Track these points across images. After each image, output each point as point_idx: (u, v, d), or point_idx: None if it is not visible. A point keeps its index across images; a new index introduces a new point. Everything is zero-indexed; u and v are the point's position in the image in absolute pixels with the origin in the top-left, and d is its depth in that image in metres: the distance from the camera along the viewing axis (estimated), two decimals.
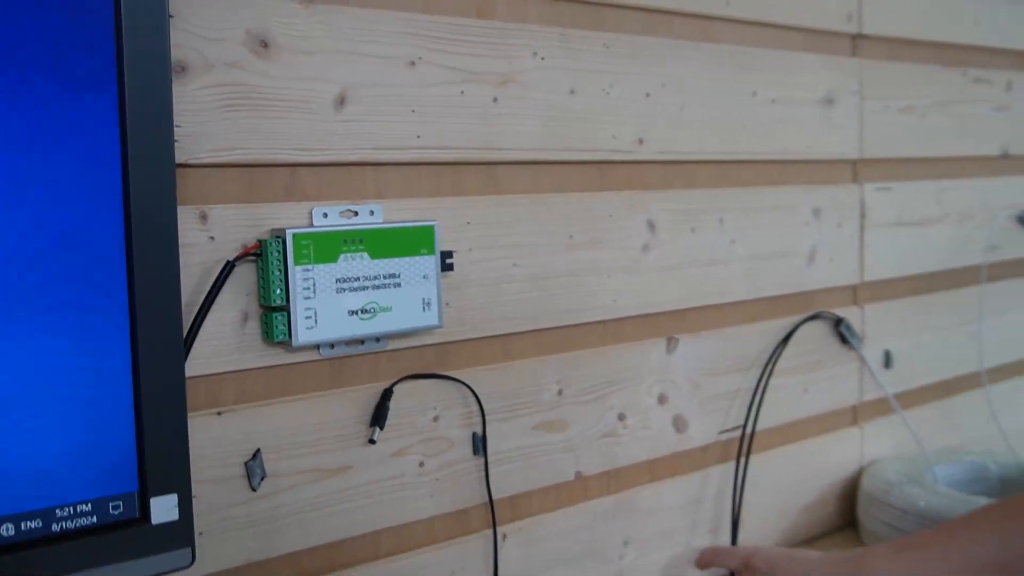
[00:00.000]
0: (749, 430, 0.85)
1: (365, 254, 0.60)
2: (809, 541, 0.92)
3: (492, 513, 0.69)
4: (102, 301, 0.46)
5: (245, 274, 0.58)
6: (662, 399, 0.80)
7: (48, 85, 0.43)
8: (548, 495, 0.74)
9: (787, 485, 0.90)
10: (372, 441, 0.63)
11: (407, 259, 0.62)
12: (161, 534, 0.48)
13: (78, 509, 0.46)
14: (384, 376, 0.64)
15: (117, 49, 0.45)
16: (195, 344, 0.56)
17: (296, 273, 0.58)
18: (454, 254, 0.66)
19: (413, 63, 0.64)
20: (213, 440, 0.57)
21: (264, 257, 0.57)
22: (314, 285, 0.58)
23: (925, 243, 1.02)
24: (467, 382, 0.67)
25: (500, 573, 0.70)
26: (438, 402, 0.67)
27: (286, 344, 0.59)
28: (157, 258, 0.48)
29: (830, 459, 0.95)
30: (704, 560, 0.78)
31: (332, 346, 0.61)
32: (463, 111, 0.67)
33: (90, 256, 0.46)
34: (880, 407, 0.98)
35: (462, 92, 0.66)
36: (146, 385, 0.48)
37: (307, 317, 0.58)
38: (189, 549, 0.49)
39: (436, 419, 0.67)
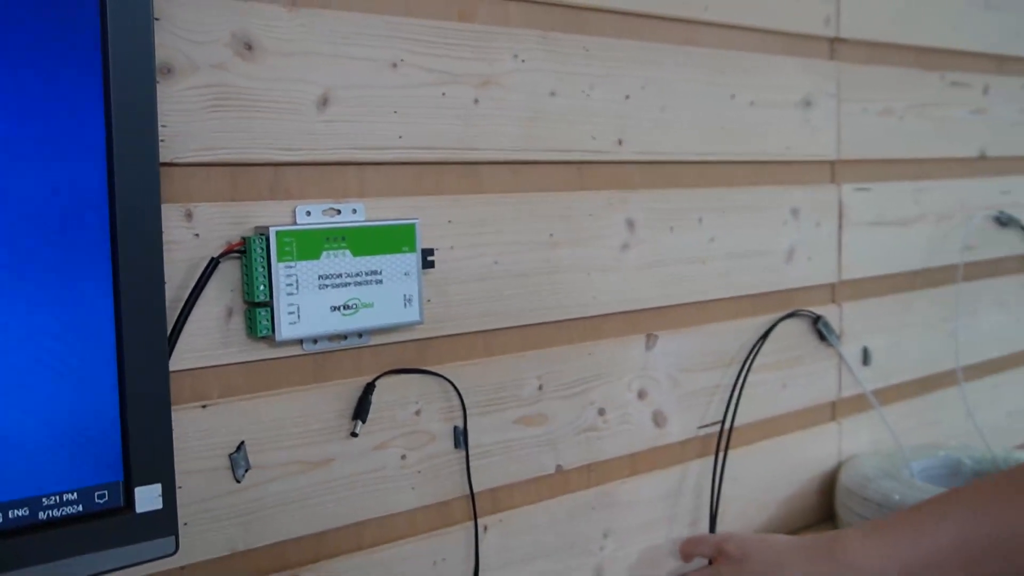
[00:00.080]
0: (728, 425, 0.86)
1: (347, 251, 0.62)
2: (787, 534, 0.93)
3: (473, 505, 0.71)
4: (88, 297, 0.48)
5: (229, 271, 0.59)
6: (642, 394, 0.82)
7: (34, 85, 0.45)
8: (529, 488, 0.75)
9: (766, 479, 0.92)
10: (354, 434, 0.65)
11: (389, 256, 0.64)
12: (145, 522, 0.50)
13: (64, 498, 0.48)
14: (366, 371, 0.66)
15: (103, 50, 0.46)
16: (180, 339, 0.57)
17: (279, 270, 0.59)
18: (435, 252, 0.67)
19: (395, 65, 0.65)
20: (198, 432, 0.59)
21: (248, 254, 0.59)
22: (297, 281, 0.60)
23: (903, 243, 1.04)
24: (448, 377, 0.69)
25: (481, 564, 0.71)
26: (420, 396, 0.68)
27: (270, 339, 0.60)
28: (142, 254, 0.49)
29: (809, 454, 0.97)
30: (685, 550, 0.80)
31: (315, 341, 0.63)
32: (445, 112, 0.68)
33: (76, 252, 0.47)
34: (858, 403, 1.00)
35: (444, 94, 0.68)
36: (131, 378, 0.49)
37: (290, 313, 0.60)
38: (173, 537, 0.51)
39: (418, 413, 0.68)
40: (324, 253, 0.61)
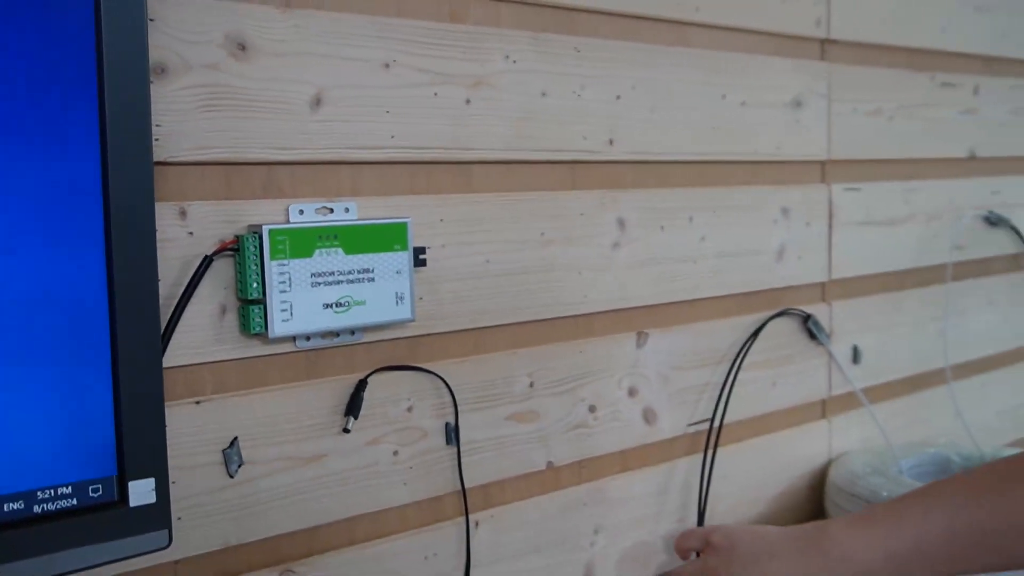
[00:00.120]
0: (717, 423, 0.87)
1: (340, 250, 0.63)
2: None
3: (465, 501, 0.72)
4: (82, 293, 0.48)
5: (223, 268, 0.60)
6: (632, 392, 0.82)
7: (29, 85, 0.45)
8: (520, 484, 0.76)
9: (757, 476, 0.93)
10: (347, 430, 0.65)
11: (381, 255, 0.65)
12: (139, 516, 0.50)
13: (59, 491, 0.48)
14: (359, 368, 0.67)
15: (97, 51, 0.47)
16: (175, 335, 0.58)
17: (272, 267, 0.60)
18: (427, 250, 0.68)
19: (388, 65, 0.66)
20: (192, 428, 0.59)
21: (241, 252, 0.59)
22: (290, 279, 0.61)
23: (893, 242, 1.05)
24: (440, 374, 0.70)
25: (473, 559, 0.72)
26: (412, 393, 0.69)
27: (263, 336, 0.61)
28: (136, 252, 0.50)
29: (799, 451, 0.97)
30: (680, 546, 0.79)
31: (308, 338, 0.63)
32: (437, 112, 0.69)
33: (69, 249, 0.48)
34: (848, 401, 1.01)
35: (436, 94, 0.69)
36: (125, 374, 0.50)
37: (283, 310, 0.60)
38: (166, 531, 0.51)
39: (410, 409, 0.69)
40: (317, 251, 0.62)
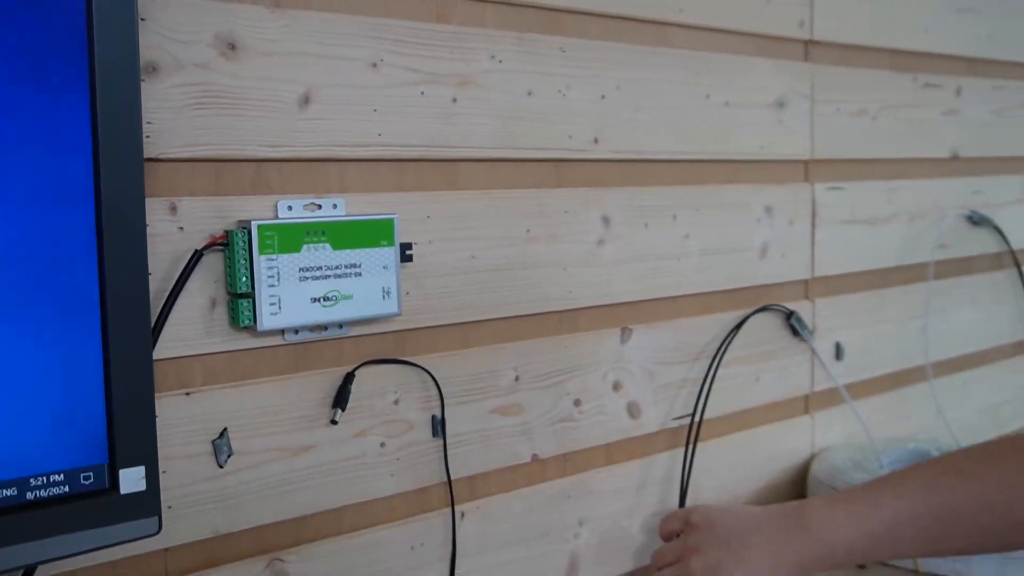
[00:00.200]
0: (698, 417, 0.89)
1: (327, 245, 0.64)
2: None
3: (451, 492, 0.73)
4: (74, 286, 0.50)
5: (213, 263, 0.62)
6: (617, 386, 0.84)
7: (23, 83, 0.47)
8: (505, 476, 0.77)
9: (740, 470, 0.95)
10: (334, 422, 0.67)
11: (368, 250, 0.66)
12: (129, 503, 0.52)
13: (51, 479, 0.50)
14: (346, 361, 0.68)
15: (89, 50, 0.48)
16: (165, 328, 0.59)
17: (261, 262, 0.61)
18: (414, 246, 0.69)
19: (375, 65, 0.68)
20: (182, 419, 0.61)
21: (231, 247, 0.61)
22: (278, 274, 0.62)
23: (875, 241, 1.07)
24: (426, 367, 0.71)
25: (458, 550, 0.74)
26: (398, 386, 0.70)
27: (252, 329, 0.62)
28: (126, 246, 0.51)
29: (782, 446, 0.99)
30: (663, 529, 0.80)
31: (296, 331, 0.65)
32: (423, 111, 0.70)
33: (62, 244, 0.49)
34: (831, 397, 1.03)
35: (422, 93, 0.70)
36: (116, 365, 0.51)
37: (271, 303, 0.62)
38: (156, 518, 0.53)
39: (396, 402, 0.70)
40: (305, 246, 0.63)
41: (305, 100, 0.65)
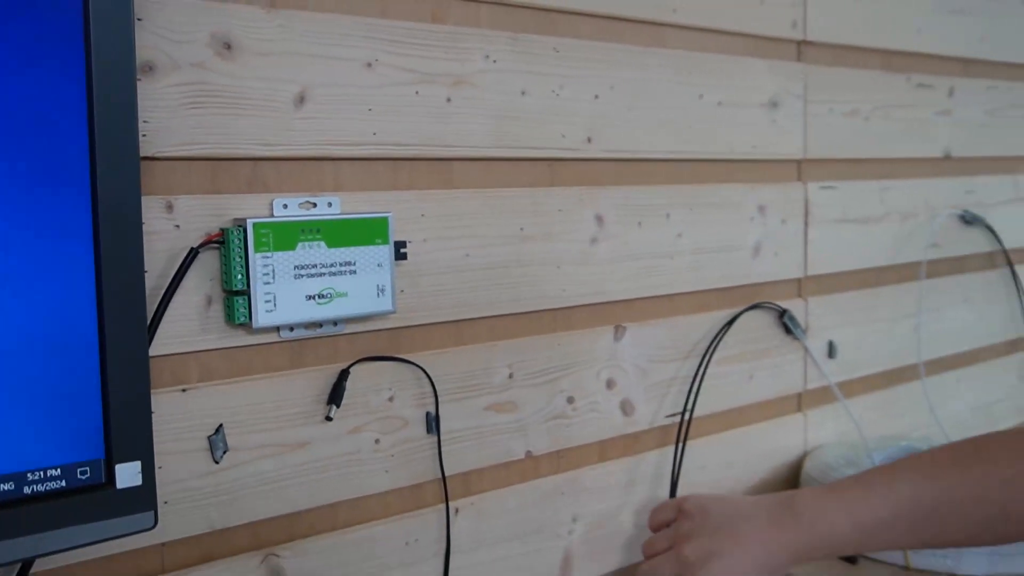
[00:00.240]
0: (688, 415, 0.89)
1: (322, 243, 0.65)
2: None
3: (445, 488, 0.74)
4: (72, 284, 0.50)
5: (209, 260, 0.62)
6: (610, 384, 0.85)
7: (21, 83, 0.47)
8: (499, 472, 0.78)
9: (733, 467, 0.95)
10: (329, 419, 0.67)
11: (362, 248, 0.67)
12: (126, 498, 0.52)
13: (48, 473, 0.50)
14: (341, 358, 0.69)
15: (86, 50, 0.49)
16: (161, 325, 0.60)
17: (256, 260, 0.62)
18: (408, 244, 0.70)
19: (370, 64, 0.68)
20: (178, 415, 0.61)
21: (226, 244, 0.61)
22: (273, 271, 0.63)
23: (868, 240, 1.07)
24: (421, 364, 0.72)
25: (452, 546, 0.74)
26: (393, 383, 0.71)
27: (247, 326, 0.63)
28: (123, 244, 0.51)
29: (775, 443, 1.00)
30: (653, 520, 0.80)
31: (291, 329, 0.65)
32: (418, 110, 0.71)
33: (58, 242, 0.50)
34: (824, 395, 1.03)
35: (417, 92, 0.71)
36: (112, 361, 0.52)
37: (267, 301, 0.62)
38: (152, 512, 0.53)
39: (391, 399, 0.71)
40: (300, 244, 0.64)
41: (301, 99, 0.65)
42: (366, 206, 0.69)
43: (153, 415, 0.54)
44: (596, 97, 0.81)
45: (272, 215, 0.64)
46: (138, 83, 0.52)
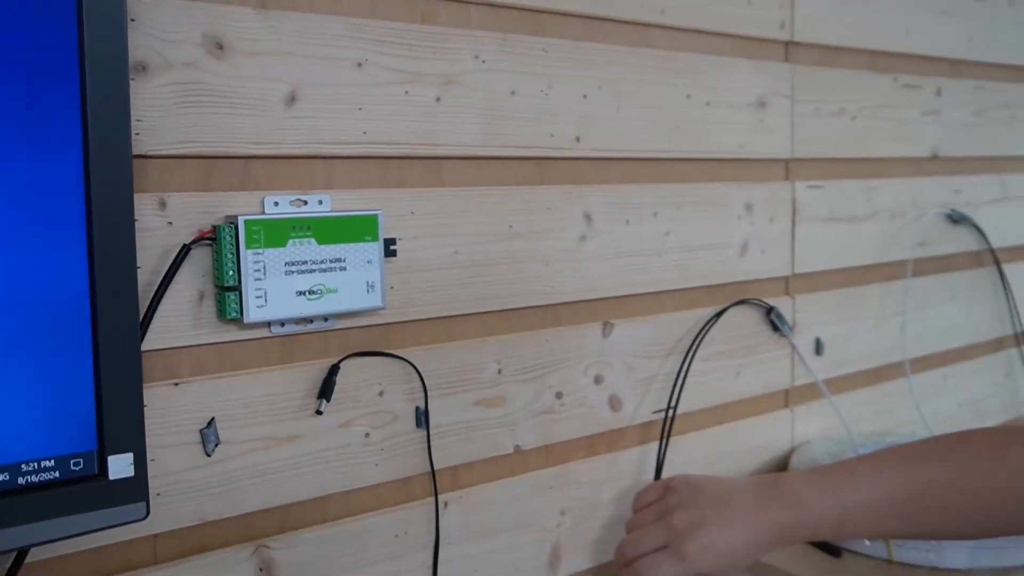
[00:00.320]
0: (672, 411, 0.90)
1: (312, 240, 0.66)
2: None
3: (434, 482, 0.75)
4: (66, 280, 0.51)
5: (201, 257, 0.63)
6: (598, 379, 0.86)
7: (14, 82, 0.48)
8: (488, 466, 0.79)
9: (721, 462, 0.97)
10: (319, 413, 0.68)
11: (352, 245, 0.68)
12: (118, 489, 0.53)
13: (42, 464, 0.51)
14: (332, 353, 0.70)
15: (79, 50, 0.50)
16: (154, 320, 0.61)
17: (247, 256, 0.63)
18: (398, 241, 0.71)
19: (360, 64, 0.69)
20: (170, 409, 0.62)
21: (218, 241, 0.63)
22: (264, 267, 0.64)
23: (855, 238, 1.09)
24: (410, 360, 0.73)
25: (442, 538, 0.75)
26: (383, 378, 0.72)
27: (238, 321, 0.64)
28: (116, 240, 0.52)
29: (762, 439, 1.01)
30: (637, 503, 0.80)
31: (282, 324, 0.67)
32: (408, 109, 0.72)
33: (52, 239, 0.51)
34: (811, 392, 1.05)
35: (407, 92, 0.72)
36: (105, 357, 0.53)
37: (257, 296, 0.64)
38: (144, 503, 0.54)
39: (381, 394, 0.72)
40: (290, 241, 0.65)
41: (291, 99, 0.66)
42: (356, 204, 0.70)
43: (146, 408, 0.55)
44: (584, 97, 0.83)
45: (263, 212, 0.65)
46: (131, 82, 0.53)
